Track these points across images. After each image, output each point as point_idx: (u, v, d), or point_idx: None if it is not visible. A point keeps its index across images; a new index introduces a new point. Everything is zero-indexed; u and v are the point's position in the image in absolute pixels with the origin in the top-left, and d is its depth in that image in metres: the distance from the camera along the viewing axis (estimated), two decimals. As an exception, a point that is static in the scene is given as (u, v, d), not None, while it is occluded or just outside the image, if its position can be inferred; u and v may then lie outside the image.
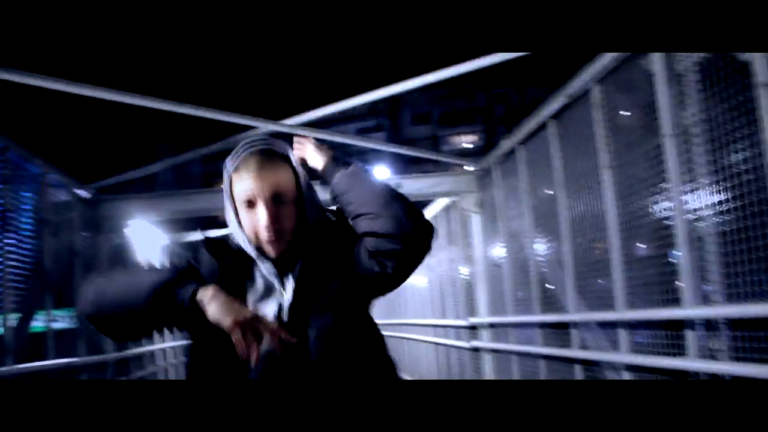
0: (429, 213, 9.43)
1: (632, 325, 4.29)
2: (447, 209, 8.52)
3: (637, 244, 4.18)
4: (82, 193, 6.67)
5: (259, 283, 1.60)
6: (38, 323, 5.61)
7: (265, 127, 6.53)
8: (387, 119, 40.98)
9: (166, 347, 9.65)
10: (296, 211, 1.59)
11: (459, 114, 40.08)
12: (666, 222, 3.84)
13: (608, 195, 4.44)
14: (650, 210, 4.00)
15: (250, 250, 1.60)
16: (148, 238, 8.81)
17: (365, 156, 39.67)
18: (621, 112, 4.34)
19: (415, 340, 11.34)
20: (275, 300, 1.57)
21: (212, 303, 1.45)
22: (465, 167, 7.58)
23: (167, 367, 9.66)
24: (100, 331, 1.56)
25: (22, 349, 5.13)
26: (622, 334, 4.35)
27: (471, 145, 39.42)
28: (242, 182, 1.55)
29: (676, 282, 3.77)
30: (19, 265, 5.18)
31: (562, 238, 5.18)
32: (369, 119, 40.34)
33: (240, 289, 1.58)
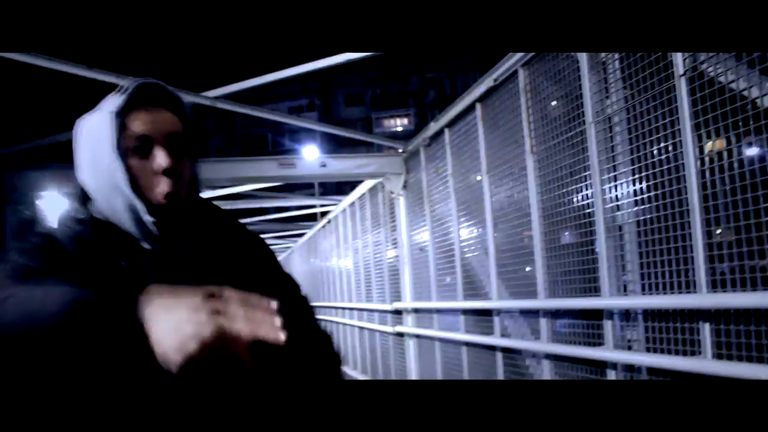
0: (357, 194, 9.31)
1: (553, 314, 4.27)
2: (374, 190, 8.40)
3: (560, 232, 4.14)
4: (-16, 164, 6.23)
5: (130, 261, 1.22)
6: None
7: (185, 98, 6.24)
8: (319, 99, 40.57)
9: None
10: (190, 165, 1.29)
11: (391, 97, 40.05)
12: (587, 210, 3.81)
13: (532, 181, 4.39)
14: (572, 198, 3.97)
15: (150, 220, 1.22)
16: (61, 211, 8.35)
17: (297, 135, 39.35)
18: (546, 98, 4.28)
19: (342, 324, 11.25)
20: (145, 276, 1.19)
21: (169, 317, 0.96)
22: (393, 149, 7.47)
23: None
24: None
25: None
26: (543, 323, 4.33)
27: (401, 129, 39.48)
28: (134, 120, 1.22)
29: (596, 272, 3.76)
30: None
31: (486, 224, 5.13)
32: (301, 98, 39.85)
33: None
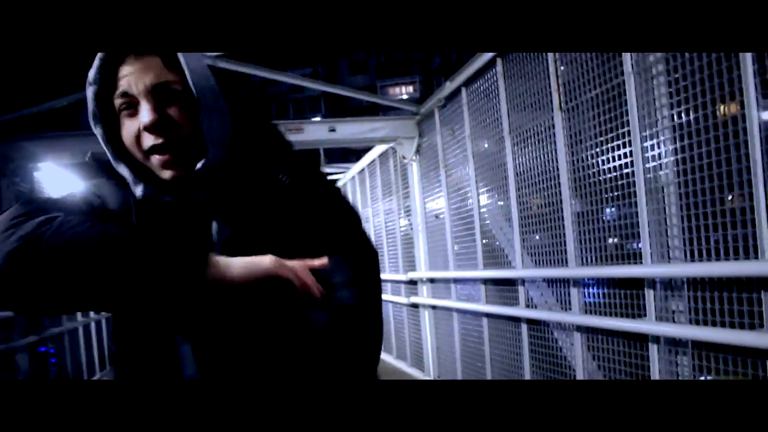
0: (366, 160, 8.99)
1: (585, 284, 3.97)
2: (385, 156, 8.07)
3: (593, 196, 3.81)
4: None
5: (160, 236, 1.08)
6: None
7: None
8: (323, 69, 40.04)
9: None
10: (192, 118, 1.13)
11: (396, 64, 39.49)
12: (625, 171, 3.48)
13: (560, 141, 4.05)
14: (608, 158, 3.63)
15: (140, 190, 1.15)
16: (62, 184, 8.07)
17: (301, 106, 38.96)
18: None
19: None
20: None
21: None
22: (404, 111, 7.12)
23: (90, 322, 9.03)
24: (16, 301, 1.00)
25: None
26: (574, 293, 4.03)
27: (406, 96, 39.02)
28: (120, 76, 1.12)
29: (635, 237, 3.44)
30: None
31: (509, 188, 4.80)
32: (305, 68, 39.34)
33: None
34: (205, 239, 1.14)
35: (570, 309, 4.09)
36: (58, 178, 7.70)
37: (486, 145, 5.28)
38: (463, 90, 5.52)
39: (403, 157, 7.05)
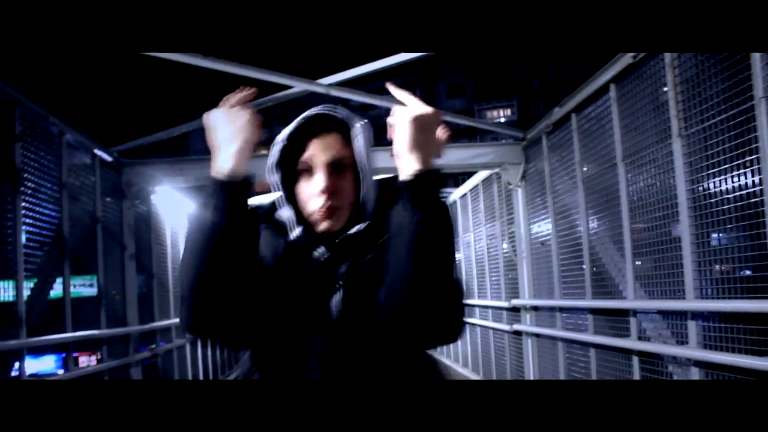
0: (469, 185, 8.98)
1: (705, 317, 3.80)
2: (488, 182, 8.05)
3: (714, 225, 3.66)
4: (104, 155, 6.31)
5: (304, 269, 1.42)
6: (56, 291, 5.31)
7: (299, 85, 6.11)
8: (421, 92, 40.34)
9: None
10: (354, 187, 1.43)
11: (494, 87, 39.27)
12: (753, 200, 3.33)
13: (679, 168, 3.92)
14: (732, 186, 3.49)
15: (297, 231, 1.43)
16: (175, 206, 8.49)
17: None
18: (698, 73, 3.79)
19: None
20: (325, 292, 1.39)
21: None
22: (507, 137, 7.08)
23: (196, 339, 9.39)
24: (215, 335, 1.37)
25: (37, 318, 4.83)
26: (692, 326, 3.87)
27: (504, 120, 38.71)
28: (305, 147, 1.42)
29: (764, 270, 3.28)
30: (36, 230, 4.85)
31: (621, 216, 4.68)
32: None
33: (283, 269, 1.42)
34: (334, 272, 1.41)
35: (687, 343, 3.93)
36: (172, 200, 8.11)
37: (596, 171, 5.18)
38: (573, 116, 5.45)
39: (509, 183, 7.00)
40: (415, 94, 1.40)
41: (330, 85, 6.16)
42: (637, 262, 4.52)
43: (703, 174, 3.74)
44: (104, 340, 5.97)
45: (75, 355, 5.41)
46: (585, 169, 5.35)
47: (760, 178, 3.25)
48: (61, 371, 5.36)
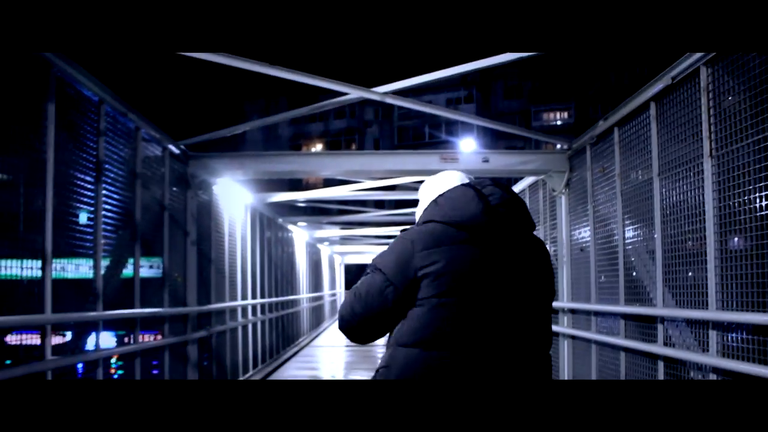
0: (515, 189, 9.25)
1: (726, 327, 4.05)
2: (534, 187, 8.31)
3: (736, 239, 3.91)
4: (173, 149, 6.83)
5: None
6: (127, 270, 5.83)
7: (355, 93, 6.49)
8: (478, 91, 40.39)
9: (247, 304, 9.89)
10: None
11: (551, 89, 39.01)
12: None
13: (708, 186, 4.17)
14: (760, 206, 3.72)
15: None
16: (234, 197, 9.00)
17: (453, 127, 39.44)
18: (731, 97, 4.04)
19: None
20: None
21: None
22: (556, 146, 7.34)
23: (248, 324, 9.91)
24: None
25: (111, 294, 5.34)
26: (713, 335, 4.12)
27: (560, 123, 38.44)
28: None
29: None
30: (112, 214, 5.36)
31: (654, 227, 4.93)
32: (460, 90, 39.88)
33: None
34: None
35: (708, 351, 4.17)
36: (230, 190, 8.62)
37: (634, 184, 5.43)
38: (616, 130, 5.70)
39: (553, 190, 7.27)
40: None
41: (385, 93, 6.52)
42: (679, 275, 4.70)
43: (734, 192, 3.97)
44: (166, 318, 6.49)
45: (141, 333, 5.92)
46: (626, 180, 5.60)
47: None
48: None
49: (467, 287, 1.80)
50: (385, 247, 2.00)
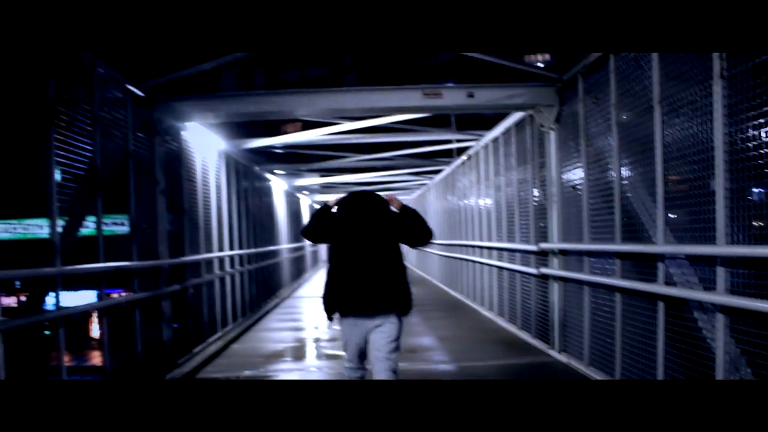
0: (501, 128, 8.89)
1: (734, 263, 3.74)
2: (521, 124, 7.93)
3: (754, 172, 3.56)
4: (136, 91, 6.34)
5: None
6: (89, 228, 5.42)
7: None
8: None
9: (224, 256, 9.52)
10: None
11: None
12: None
13: (718, 111, 3.81)
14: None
15: None
16: (206, 143, 8.54)
17: (435, 70, 38.73)
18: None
19: (478, 262, 10.98)
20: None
21: None
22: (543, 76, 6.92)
23: (225, 276, 9.57)
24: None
25: (71, 251, 4.95)
26: (720, 272, 3.82)
27: (542, 64, 37.90)
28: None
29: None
30: (69, 162, 4.92)
31: (655, 161, 4.59)
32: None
33: None
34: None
35: (714, 289, 3.88)
36: (201, 136, 8.16)
37: (632, 115, 5.06)
38: (612, 57, 5.30)
39: (542, 126, 6.89)
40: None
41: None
42: (681, 212, 4.41)
43: (744, 117, 3.62)
44: (136, 273, 6.11)
45: (108, 291, 5.53)
46: (622, 111, 5.22)
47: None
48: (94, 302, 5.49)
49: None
50: None
